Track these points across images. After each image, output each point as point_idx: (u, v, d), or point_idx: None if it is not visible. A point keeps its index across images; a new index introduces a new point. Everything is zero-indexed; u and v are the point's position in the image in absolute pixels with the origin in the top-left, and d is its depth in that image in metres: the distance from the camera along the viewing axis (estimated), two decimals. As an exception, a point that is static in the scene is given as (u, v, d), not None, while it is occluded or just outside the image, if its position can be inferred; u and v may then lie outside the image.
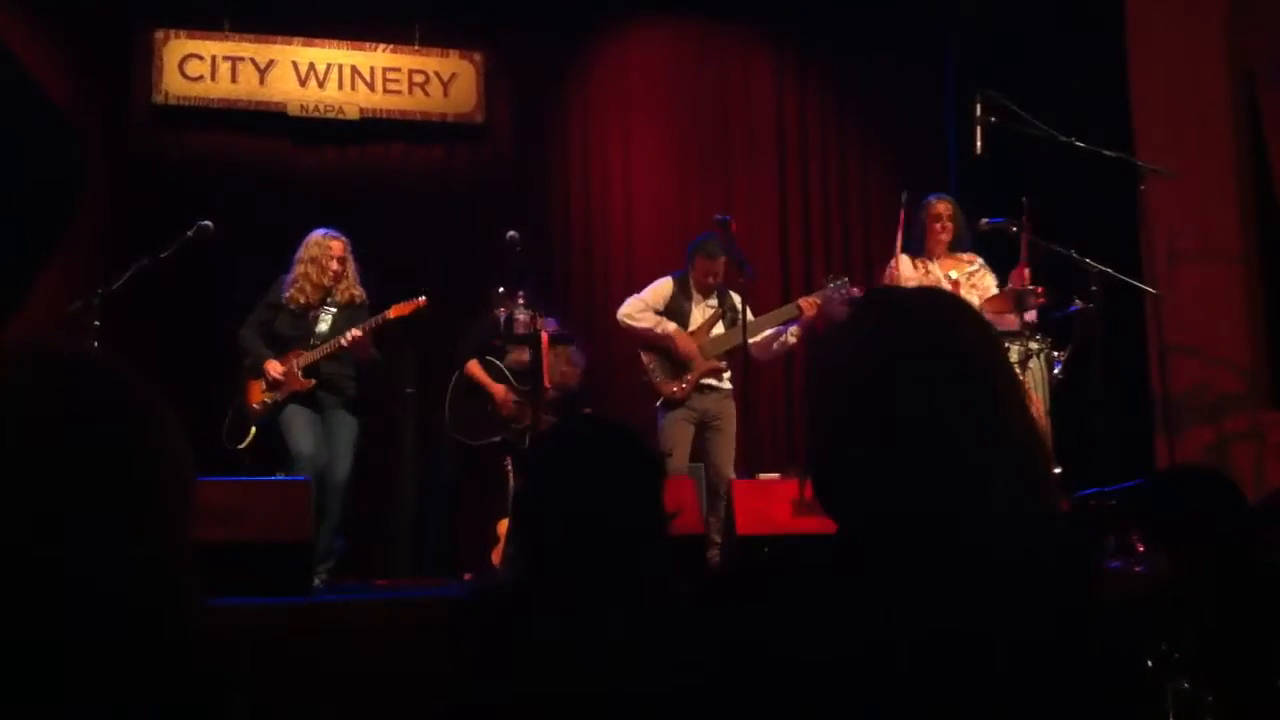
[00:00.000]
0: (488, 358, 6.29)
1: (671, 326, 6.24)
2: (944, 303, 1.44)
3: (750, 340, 6.13)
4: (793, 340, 6.36)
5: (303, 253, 5.96)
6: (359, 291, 6.02)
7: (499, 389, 6.22)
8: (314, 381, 5.82)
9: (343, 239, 6.01)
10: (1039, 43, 7.31)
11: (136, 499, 1.16)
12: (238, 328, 5.95)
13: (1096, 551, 4.50)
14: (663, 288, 6.36)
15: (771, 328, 6.34)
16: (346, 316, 5.93)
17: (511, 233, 6.18)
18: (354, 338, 5.74)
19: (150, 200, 7.05)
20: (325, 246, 5.95)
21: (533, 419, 5.95)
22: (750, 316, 6.24)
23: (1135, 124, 6.54)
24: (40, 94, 1.35)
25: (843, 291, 6.23)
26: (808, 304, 6.18)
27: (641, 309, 6.30)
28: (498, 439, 6.19)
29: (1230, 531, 2.80)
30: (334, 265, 5.92)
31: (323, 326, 5.92)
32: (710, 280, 6.31)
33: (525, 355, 6.06)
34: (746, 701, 1.22)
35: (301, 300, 5.91)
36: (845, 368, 1.38)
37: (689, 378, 6.16)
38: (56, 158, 1.37)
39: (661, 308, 6.30)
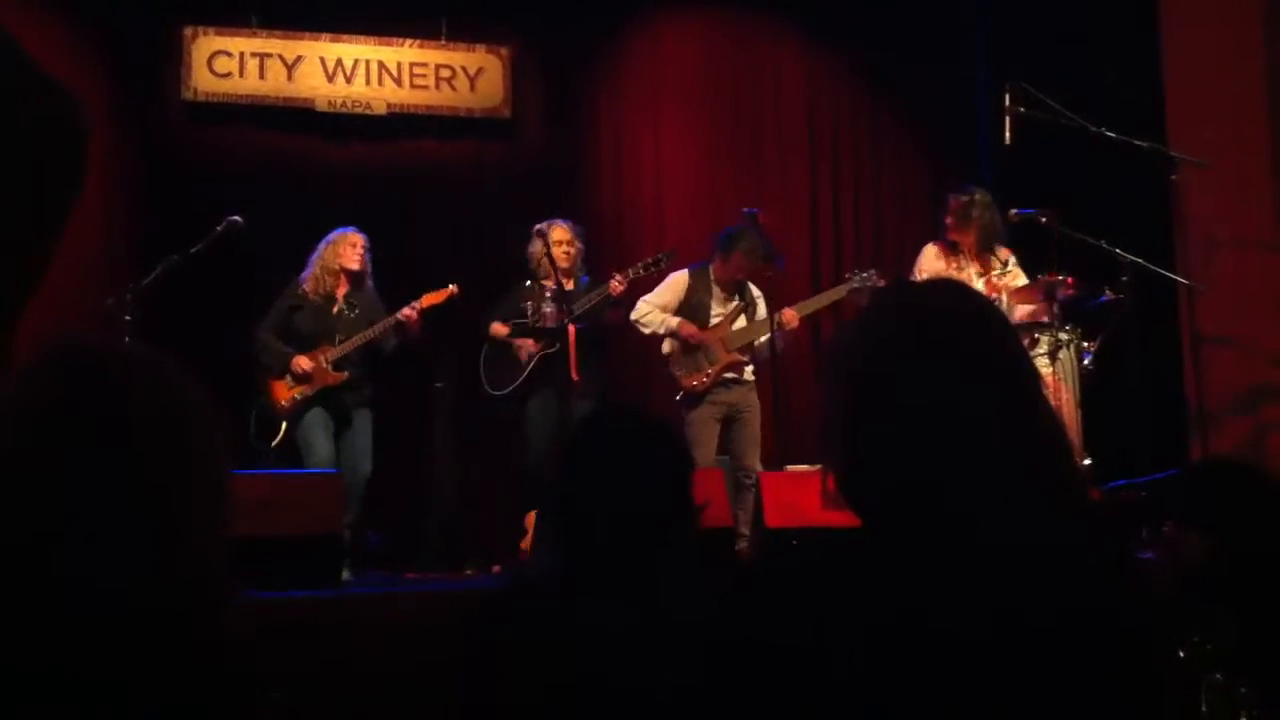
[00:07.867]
0: (513, 321, 6.26)
1: (675, 320, 6.18)
2: (958, 295, 1.43)
3: (761, 339, 6.13)
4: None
5: (325, 248, 6.02)
6: (369, 284, 6.09)
7: (524, 341, 6.18)
8: (346, 374, 5.87)
9: (364, 235, 6.07)
10: (1071, 34, 7.24)
11: (165, 498, 1.14)
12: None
13: (1128, 543, 4.46)
14: (677, 283, 6.28)
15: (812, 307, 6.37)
16: (368, 305, 6.00)
17: (539, 226, 6.20)
18: (406, 315, 5.82)
19: (181, 196, 7.08)
20: (348, 237, 6.01)
21: (561, 413, 5.96)
22: (763, 312, 6.21)
23: (1168, 114, 6.46)
24: (37, 70, 1.34)
25: (870, 284, 6.20)
26: (789, 315, 6.12)
27: (647, 311, 6.23)
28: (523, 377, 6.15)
29: (1265, 521, 2.77)
30: (360, 252, 5.98)
31: (344, 321, 5.96)
32: (742, 275, 6.25)
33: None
34: (770, 697, 1.21)
35: (319, 290, 5.94)
36: (860, 362, 1.37)
37: (710, 370, 6.10)
38: (60, 132, 1.35)
39: (676, 304, 6.23)
